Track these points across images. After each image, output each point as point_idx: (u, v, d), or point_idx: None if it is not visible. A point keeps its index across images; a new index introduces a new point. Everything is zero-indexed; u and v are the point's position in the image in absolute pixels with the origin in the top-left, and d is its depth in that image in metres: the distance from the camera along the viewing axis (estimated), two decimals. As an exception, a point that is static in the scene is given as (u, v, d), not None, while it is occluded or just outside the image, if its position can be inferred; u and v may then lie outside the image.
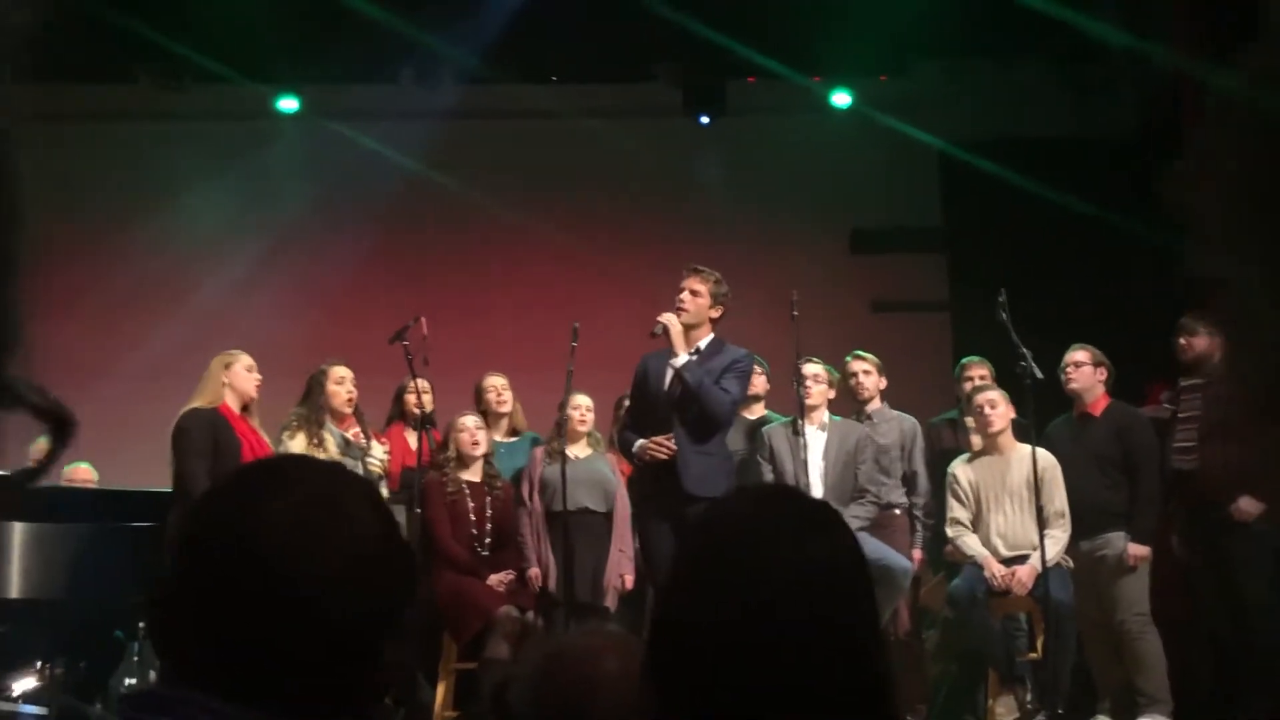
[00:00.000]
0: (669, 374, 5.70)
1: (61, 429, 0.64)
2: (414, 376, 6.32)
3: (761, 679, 1.33)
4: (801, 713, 1.32)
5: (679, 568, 1.49)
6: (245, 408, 5.93)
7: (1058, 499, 6.12)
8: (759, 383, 6.80)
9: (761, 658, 1.34)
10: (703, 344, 5.75)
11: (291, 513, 1.22)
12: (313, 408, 6.17)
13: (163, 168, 9.08)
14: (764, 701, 1.32)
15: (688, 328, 5.73)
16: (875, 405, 6.86)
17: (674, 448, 5.57)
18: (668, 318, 5.72)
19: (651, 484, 5.66)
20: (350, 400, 6.30)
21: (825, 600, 1.37)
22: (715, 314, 5.80)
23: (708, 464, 5.56)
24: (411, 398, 6.50)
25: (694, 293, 5.77)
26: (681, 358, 5.66)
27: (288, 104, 9.24)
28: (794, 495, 1.57)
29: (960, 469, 6.35)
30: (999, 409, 6.24)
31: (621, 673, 2.16)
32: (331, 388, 6.24)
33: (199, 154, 9.18)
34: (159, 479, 6.14)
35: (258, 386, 5.98)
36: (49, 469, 0.65)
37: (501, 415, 6.89)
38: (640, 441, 5.67)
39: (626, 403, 6.90)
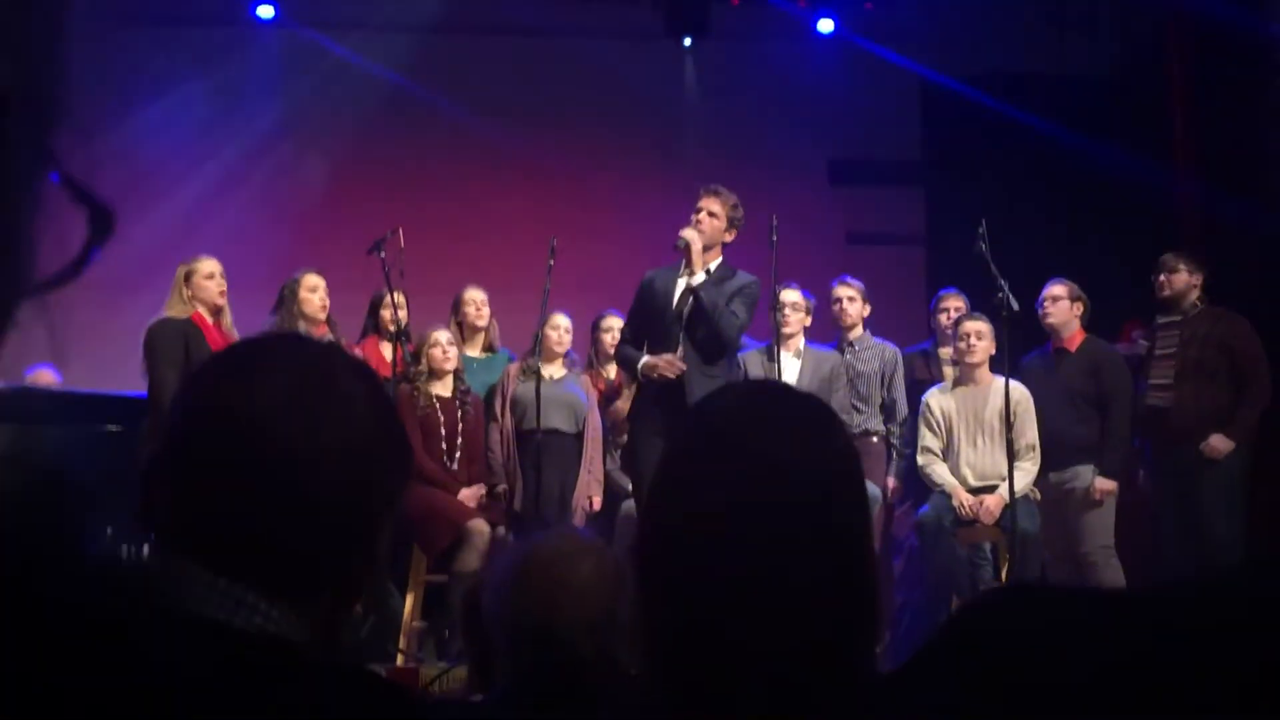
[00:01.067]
0: (678, 291, 5.64)
1: (102, 218, 0.60)
2: (390, 289, 6.26)
3: (745, 581, 1.29)
4: (783, 610, 1.29)
5: (668, 461, 1.45)
6: (218, 313, 5.89)
7: (1029, 432, 6.15)
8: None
9: (746, 555, 1.30)
10: (713, 266, 5.67)
11: (286, 386, 1.19)
12: (286, 316, 6.14)
13: (134, 72, 8.91)
14: (747, 601, 1.29)
15: (703, 248, 5.65)
16: (858, 332, 6.87)
17: (683, 366, 5.51)
18: (690, 234, 5.61)
19: (652, 402, 5.56)
20: (323, 308, 6.26)
21: (816, 498, 1.33)
22: (729, 237, 5.72)
23: (713, 387, 5.46)
24: (387, 311, 6.46)
25: (711, 214, 5.67)
26: (699, 276, 5.60)
27: (264, 10, 9.08)
28: (787, 390, 1.53)
29: (935, 398, 6.38)
30: (984, 341, 6.24)
31: (594, 576, 2.16)
32: (304, 294, 6.21)
33: (172, 59, 9.00)
34: (123, 385, 6.09)
35: (222, 293, 5.93)
36: (87, 263, 0.62)
37: (479, 330, 6.85)
38: (648, 358, 5.59)
39: (605, 322, 6.88)
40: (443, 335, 6.36)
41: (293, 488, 1.16)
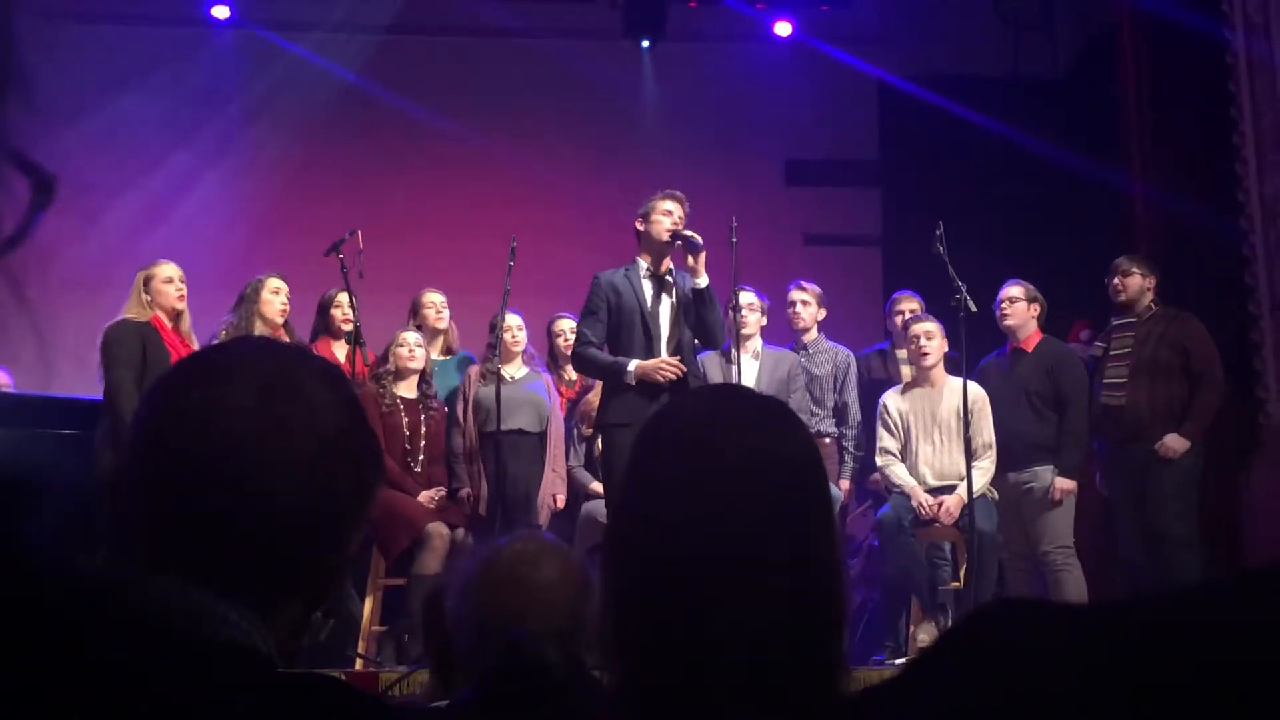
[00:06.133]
0: (648, 290, 5.63)
1: (44, 186, 0.61)
2: (349, 290, 6.24)
3: (714, 577, 1.29)
4: (753, 601, 1.28)
5: (634, 464, 1.45)
6: (177, 317, 5.84)
7: (985, 431, 6.18)
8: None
9: (714, 551, 1.29)
10: (673, 267, 5.73)
11: (255, 393, 1.17)
12: (245, 315, 6.09)
13: (90, 71, 8.80)
14: (717, 597, 1.29)
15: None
16: (812, 336, 6.90)
17: (683, 368, 5.52)
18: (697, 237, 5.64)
19: (648, 405, 5.37)
20: (283, 312, 6.21)
21: (780, 490, 1.32)
22: None
23: (700, 382, 5.59)
24: (337, 311, 6.44)
25: (684, 218, 5.72)
26: (703, 279, 5.61)
27: (219, 10, 9.01)
28: (747, 391, 1.54)
29: (891, 399, 6.40)
30: (935, 341, 6.28)
31: (559, 579, 2.14)
32: (266, 296, 6.15)
33: (127, 59, 8.91)
34: (80, 389, 6.02)
35: (181, 297, 5.89)
36: (28, 233, 0.62)
37: (439, 332, 6.83)
38: (641, 363, 5.51)
39: (558, 325, 6.86)
40: (411, 336, 6.35)
41: (263, 497, 1.14)
